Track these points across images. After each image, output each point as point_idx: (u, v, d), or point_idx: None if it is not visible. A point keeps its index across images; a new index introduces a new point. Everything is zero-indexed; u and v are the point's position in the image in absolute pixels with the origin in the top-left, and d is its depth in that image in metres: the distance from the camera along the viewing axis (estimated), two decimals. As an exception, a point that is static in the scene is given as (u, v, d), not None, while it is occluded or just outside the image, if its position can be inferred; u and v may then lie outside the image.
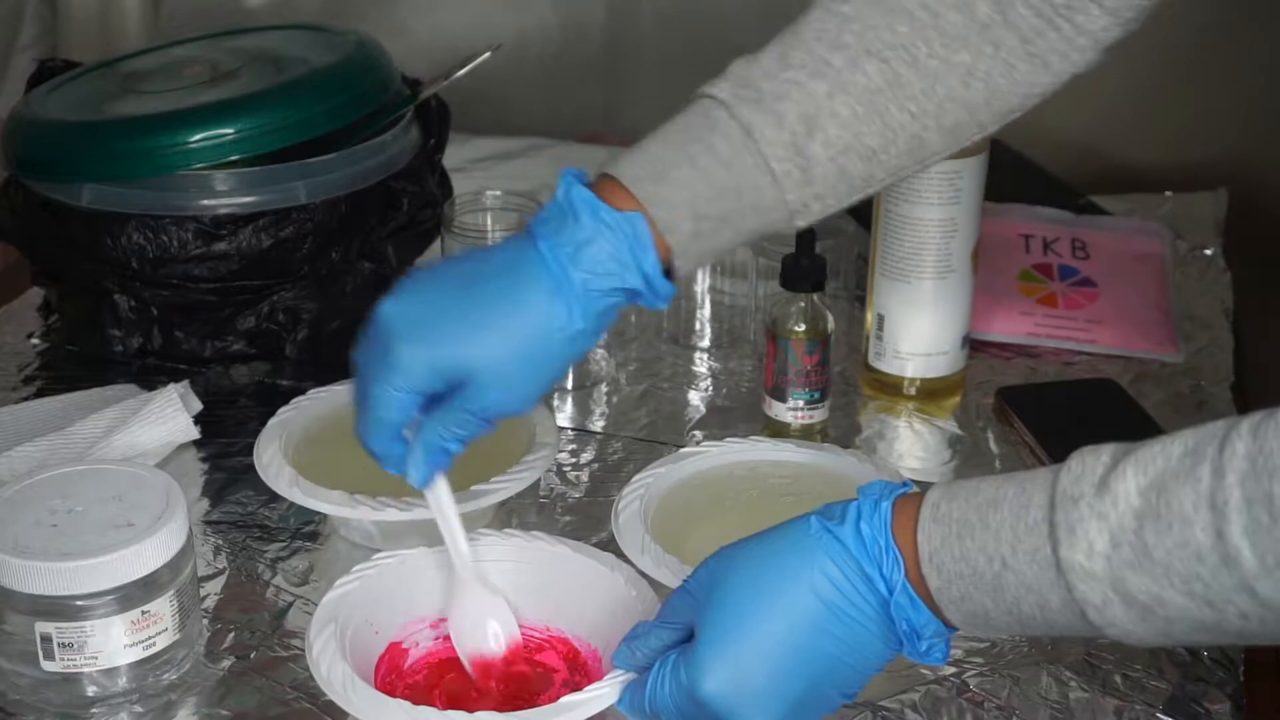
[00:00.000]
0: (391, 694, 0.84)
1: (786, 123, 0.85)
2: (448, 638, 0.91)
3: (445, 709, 0.80)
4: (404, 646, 0.91)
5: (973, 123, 0.89)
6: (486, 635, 0.89)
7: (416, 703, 0.81)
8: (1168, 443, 0.66)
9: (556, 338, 0.84)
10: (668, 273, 0.86)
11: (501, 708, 0.82)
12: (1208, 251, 1.46)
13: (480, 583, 0.90)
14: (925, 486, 1.01)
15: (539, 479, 1.05)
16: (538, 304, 0.83)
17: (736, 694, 0.74)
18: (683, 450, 1.06)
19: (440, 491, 0.89)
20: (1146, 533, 0.65)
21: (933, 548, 0.72)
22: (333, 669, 0.83)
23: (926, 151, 0.89)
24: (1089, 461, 0.68)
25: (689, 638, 0.77)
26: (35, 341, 1.31)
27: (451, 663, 0.91)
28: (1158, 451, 0.66)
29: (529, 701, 0.86)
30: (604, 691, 0.80)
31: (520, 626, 0.91)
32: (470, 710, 0.80)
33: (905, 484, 0.76)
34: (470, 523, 0.96)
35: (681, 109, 0.88)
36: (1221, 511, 0.63)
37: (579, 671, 0.89)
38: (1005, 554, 0.69)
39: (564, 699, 0.81)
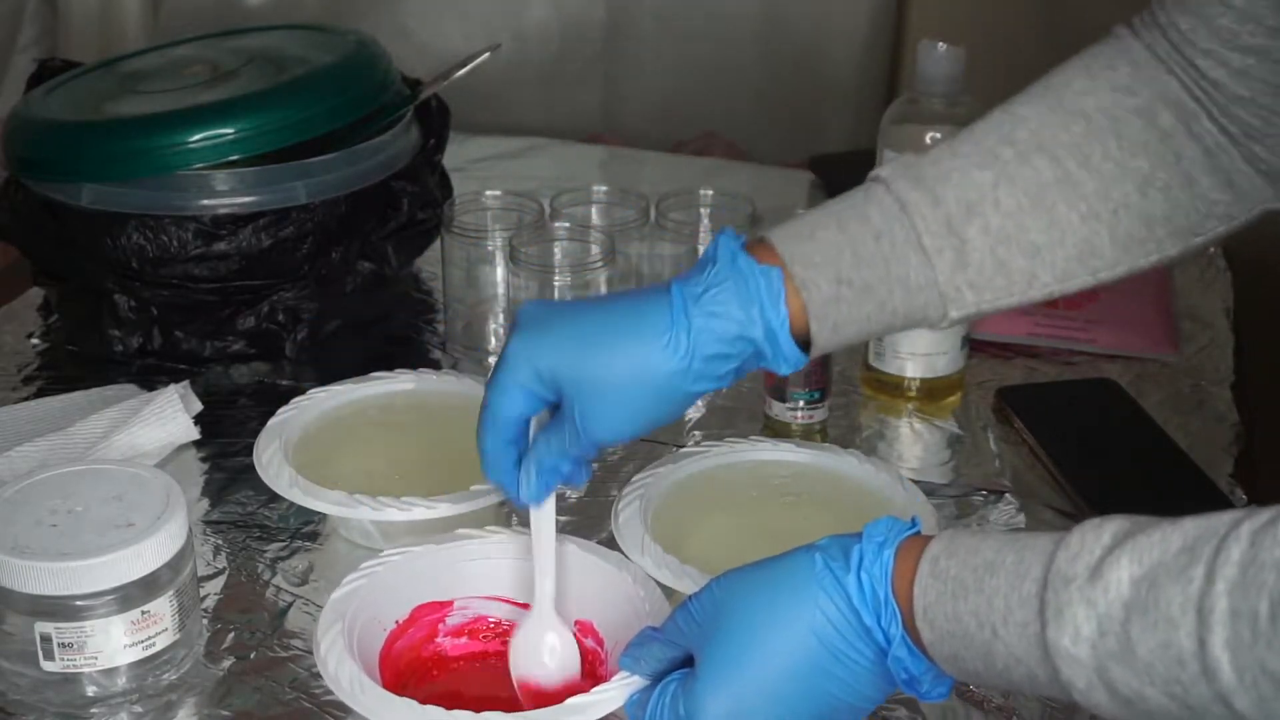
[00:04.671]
0: (397, 691, 0.83)
1: (944, 203, 0.84)
2: (452, 632, 0.92)
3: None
4: (411, 643, 0.91)
5: (1150, 239, 0.85)
6: (543, 662, 0.88)
7: (423, 701, 0.80)
8: (1169, 531, 0.65)
9: (661, 369, 0.82)
10: (806, 342, 0.84)
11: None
12: (1208, 251, 1.46)
13: (553, 613, 0.88)
14: (926, 489, 1.03)
15: (539, 479, 1.04)
16: (649, 334, 0.82)
17: None
18: (683, 450, 1.06)
19: (545, 516, 0.87)
20: (1133, 627, 0.64)
21: (927, 602, 0.71)
22: (340, 667, 0.82)
23: (1098, 262, 0.85)
24: (1089, 540, 0.67)
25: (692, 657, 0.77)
26: (35, 341, 1.31)
27: (460, 659, 0.91)
28: (1157, 540, 0.65)
29: None
30: (611, 694, 0.80)
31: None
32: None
33: (913, 524, 0.75)
34: (470, 522, 0.96)
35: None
36: (1206, 620, 0.61)
37: (585, 669, 0.89)
38: (996, 623, 0.68)
39: (570, 700, 0.80)
